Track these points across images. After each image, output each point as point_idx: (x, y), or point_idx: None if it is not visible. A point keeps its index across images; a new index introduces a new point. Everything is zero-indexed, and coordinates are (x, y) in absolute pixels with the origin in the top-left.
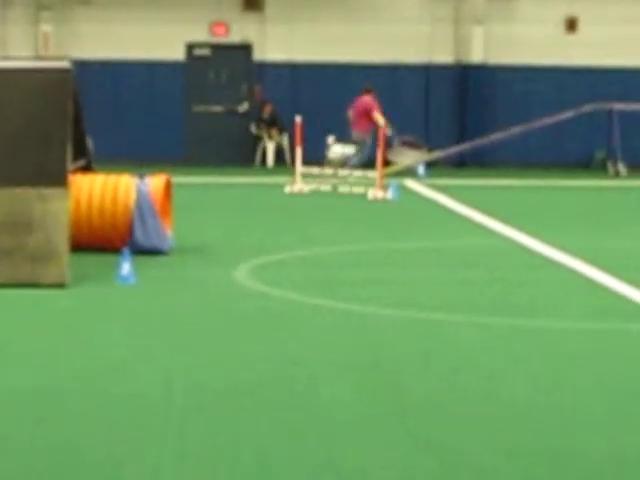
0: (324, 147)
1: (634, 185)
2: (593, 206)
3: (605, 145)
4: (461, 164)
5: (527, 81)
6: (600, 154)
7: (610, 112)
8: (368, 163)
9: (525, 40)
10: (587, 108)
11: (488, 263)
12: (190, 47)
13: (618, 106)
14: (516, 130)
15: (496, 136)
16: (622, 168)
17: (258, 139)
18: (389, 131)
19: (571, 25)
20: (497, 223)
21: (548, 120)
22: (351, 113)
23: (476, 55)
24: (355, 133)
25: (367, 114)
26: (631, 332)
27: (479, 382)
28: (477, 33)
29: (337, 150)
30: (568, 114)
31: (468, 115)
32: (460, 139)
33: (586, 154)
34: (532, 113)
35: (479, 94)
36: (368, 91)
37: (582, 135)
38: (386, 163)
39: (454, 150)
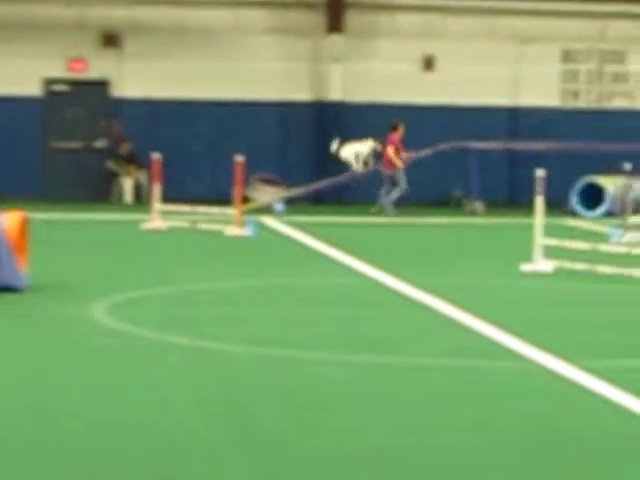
0: (184, 184)
1: (490, 223)
2: (450, 244)
3: (462, 183)
4: (319, 201)
5: (385, 119)
6: (457, 192)
7: (467, 150)
8: (226, 200)
9: (383, 78)
10: (444, 146)
11: (346, 300)
12: (48, 83)
13: (475, 144)
14: (373, 167)
15: (354, 173)
16: (478, 206)
17: (115, 176)
18: (400, 163)
19: (428, 63)
20: (355, 261)
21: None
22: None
23: (334, 92)
24: (384, 170)
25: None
26: (488, 370)
27: (335, 420)
28: (335, 71)
29: (349, 150)
30: (426, 152)
31: (326, 152)
32: (318, 176)
33: (443, 192)
34: None
35: (337, 131)
36: (394, 128)
37: (439, 173)
38: (244, 200)
39: (312, 187)
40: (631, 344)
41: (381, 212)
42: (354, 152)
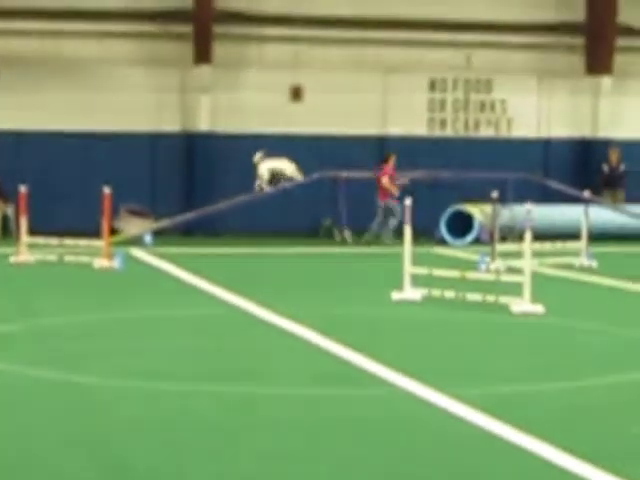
0: (52, 216)
1: (360, 252)
2: (321, 273)
3: (332, 212)
4: (189, 232)
5: (254, 149)
6: (327, 221)
7: (336, 180)
8: (94, 232)
9: (251, 108)
10: (314, 176)
11: (215, 331)
12: None
13: (344, 174)
14: (243, 198)
15: (223, 204)
16: (348, 235)
17: None
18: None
19: (296, 94)
20: (225, 292)
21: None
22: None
23: (203, 123)
24: (378, 201)
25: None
26: (353, 397)
27: (205, 452)
28: (204, 101)
29: (266, 166)
30: (296, 182)
31: (195, 183)
32: (188, 207)
33: (313, 221)
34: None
35: (206, 162)
36: (386, 159)
37: (309, 202)
38: (113, 232)
39: (181, 218)
40: (496, 370)
41: (372, 242)
42: (270, 169)
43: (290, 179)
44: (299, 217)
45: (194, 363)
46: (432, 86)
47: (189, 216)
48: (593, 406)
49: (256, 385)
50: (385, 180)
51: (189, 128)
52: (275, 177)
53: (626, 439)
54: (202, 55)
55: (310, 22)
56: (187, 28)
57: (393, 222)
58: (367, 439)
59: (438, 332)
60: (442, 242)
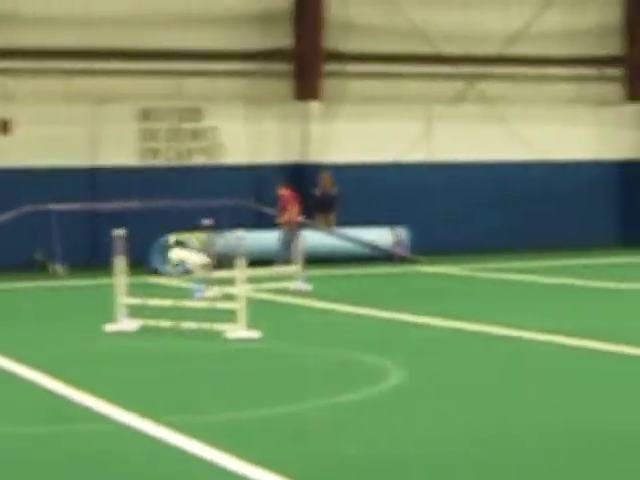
0: None
1: (74, 285)
2: (34, 308)
3: (44, 246)
4: None
5: None
6: (39, 255)
7: (47, 213)
8: None
9: None
10: (25, 209)
11: None
12: None
13: (55, 206)
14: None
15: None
16: (60, 269)
17: None
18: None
19: (4, 127)
20: None
21: None
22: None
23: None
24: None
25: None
26: (69, 434)
27: None
28: None
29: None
30: (6, 216)
31: None
32: None
33: (26, 256)
34: None
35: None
36: (285, 190)
37: (21, 237)
38: None
39: None
40: (213, 397)
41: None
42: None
43: None
44: (12, 252)
45: None
46: (143, 115)
47: None
48: (310, 429)
49: None
50: (293, 208)
51: None
52: None
53: (343, 460)
54: None
55: (17, 54)
56: None
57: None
58: (78, 476)
59: (154, 362)
60: (157, 271)
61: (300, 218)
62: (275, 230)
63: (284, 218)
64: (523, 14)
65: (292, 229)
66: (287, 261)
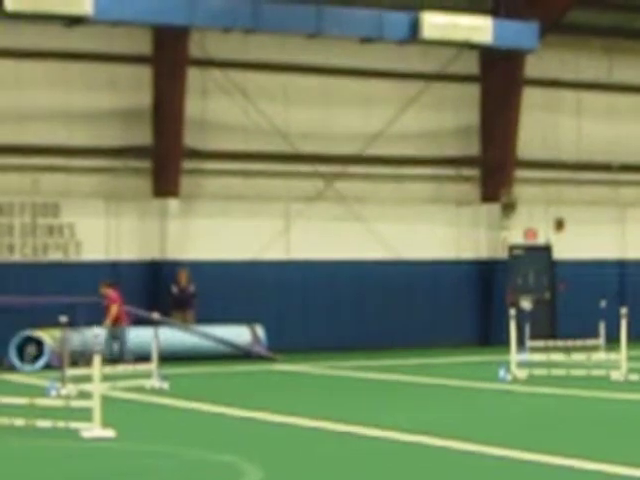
0: None
1: None
2: None
3: None
4: None
5: None
6: None
7: None
8: None
9: None
10: None
11: None
12: None
13: None
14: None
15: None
16: None
17: None
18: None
19: None
20: None
21: None
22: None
23: None
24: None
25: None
26: None
27: None
28: None
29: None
30: None
31: None
32: None
33: None
34: None
35: None
36: (111, 286)
37: None
38: None
39: None
40: None
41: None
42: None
43: None
44: None
45: None
46: None
47: None
48: None
49: None
50: (115, 308)
51: None
52: None
53: None
54: None
55: None
56: None
57: (115, 346)
58: None
59: (6, 463)
60: (12, 368)
61: (123, 316)
62: (136, 327)
63: (108, 318)
64: (383, 114)
65: (116, 327)
66: (115, 360)
